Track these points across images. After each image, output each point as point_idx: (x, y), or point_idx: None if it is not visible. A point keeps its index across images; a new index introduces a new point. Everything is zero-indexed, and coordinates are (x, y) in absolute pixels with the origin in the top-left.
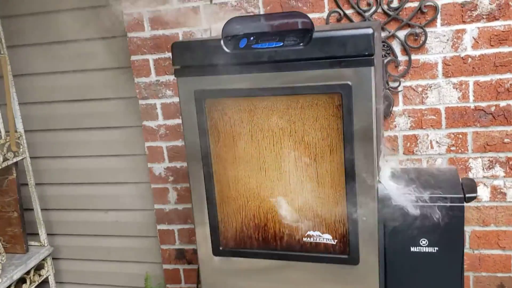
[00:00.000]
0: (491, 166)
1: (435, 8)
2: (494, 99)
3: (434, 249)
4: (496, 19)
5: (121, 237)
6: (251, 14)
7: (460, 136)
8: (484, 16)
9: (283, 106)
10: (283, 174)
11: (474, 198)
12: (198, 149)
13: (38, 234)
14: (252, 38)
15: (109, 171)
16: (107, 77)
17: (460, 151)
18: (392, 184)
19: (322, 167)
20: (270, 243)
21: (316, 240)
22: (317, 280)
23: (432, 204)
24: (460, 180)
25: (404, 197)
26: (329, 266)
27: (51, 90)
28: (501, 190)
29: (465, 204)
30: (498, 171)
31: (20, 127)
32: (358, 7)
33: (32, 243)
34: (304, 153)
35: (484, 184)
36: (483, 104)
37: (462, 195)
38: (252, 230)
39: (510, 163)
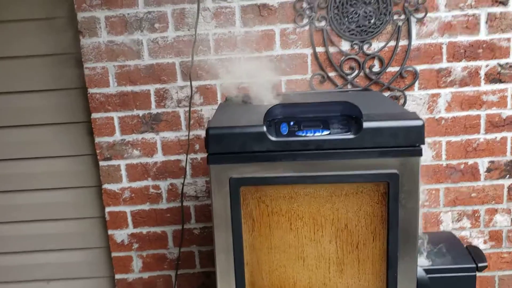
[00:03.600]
0: (459, 218)
1: (414, 73)
2: (463, 157)
3: None
4: (467, 85)
5: None
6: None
7: (433, 192)
8: (457, 82)
9: (327, 193)
10: (322, 263)
11: (485, 267)
12: (229, 239)
13: None
14: (292, 123)
15: (55, 236)
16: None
17: (433, 206)
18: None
19: (364, 253)
20: None
21: None
22: None
23: (446, 275)
24: (466, 248)
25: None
26: None
27: None
28: (467, 240)
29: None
30: (465, 222)
31: None
32: (341, 70)
33: None
34: (346, 241)
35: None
36: (454, 162)
37: (474, 265)
38: None
39: (476, 215)
